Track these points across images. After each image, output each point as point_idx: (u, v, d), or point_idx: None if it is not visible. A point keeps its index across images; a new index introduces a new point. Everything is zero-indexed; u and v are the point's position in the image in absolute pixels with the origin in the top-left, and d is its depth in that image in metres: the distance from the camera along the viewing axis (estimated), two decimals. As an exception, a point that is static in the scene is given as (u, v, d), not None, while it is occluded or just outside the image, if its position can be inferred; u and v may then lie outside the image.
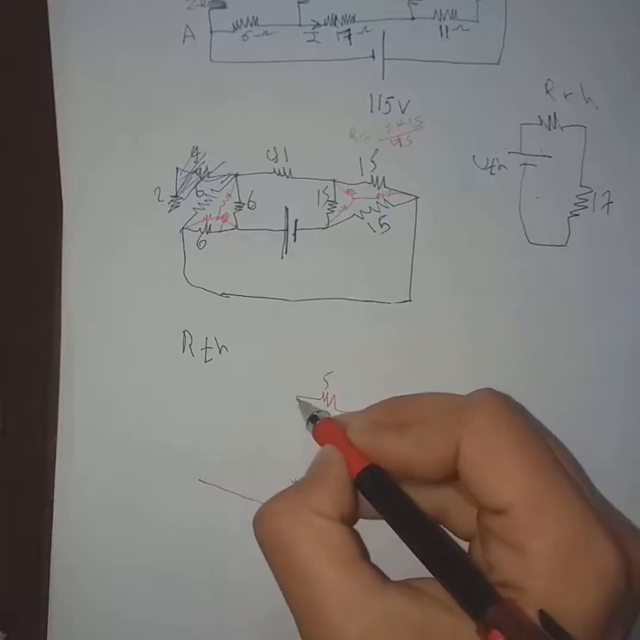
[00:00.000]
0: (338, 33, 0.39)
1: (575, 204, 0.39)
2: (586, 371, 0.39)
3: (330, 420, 0.36)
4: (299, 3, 0.39)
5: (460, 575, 0.29)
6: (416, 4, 0.39)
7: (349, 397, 0.38)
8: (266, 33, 0.39)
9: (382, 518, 0.32)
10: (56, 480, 0.39)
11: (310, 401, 0.38)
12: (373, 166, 0.39)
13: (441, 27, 0.39)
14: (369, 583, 0.29)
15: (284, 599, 0.31)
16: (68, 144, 0.39)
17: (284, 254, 0.39)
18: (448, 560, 0.29)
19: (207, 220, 0.39)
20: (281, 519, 0.31)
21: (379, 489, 0.32)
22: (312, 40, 0.39)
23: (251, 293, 0.39)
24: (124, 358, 0.39)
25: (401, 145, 0.39)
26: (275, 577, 0.31)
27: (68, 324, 0.40)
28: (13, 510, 0.40)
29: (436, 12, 0.39)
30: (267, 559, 0.31)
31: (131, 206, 0.39)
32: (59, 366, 0.40)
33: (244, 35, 0.39)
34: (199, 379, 0.39)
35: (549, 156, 0.39)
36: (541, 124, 0.39)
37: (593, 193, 0.39)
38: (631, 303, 0.39)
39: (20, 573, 0.39)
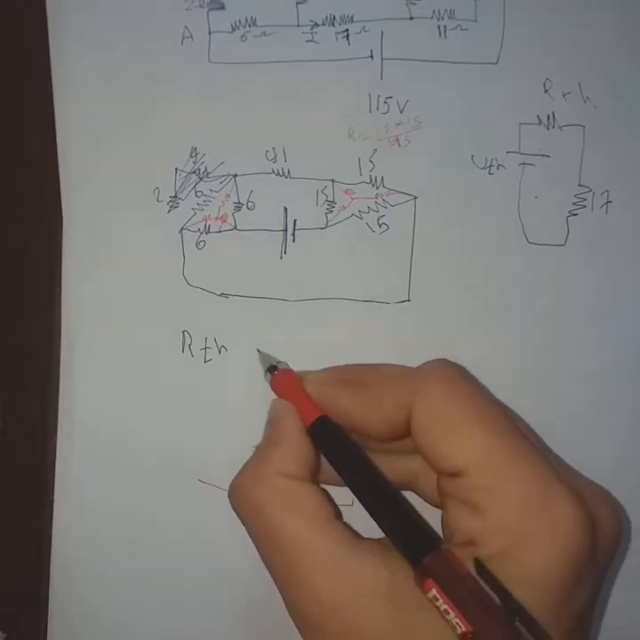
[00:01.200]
0: (336, 33, 0.39)
1: (574, 204, 0.39)
2: (586, 370, 0.39)
3: (288, 371, 0.37)
4: (297, 3, 0.39)
5: (400, 524, 0.30)
6: (414, 3, 0.39)
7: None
8: (264, 33, 0.39)
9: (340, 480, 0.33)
10: (56, 480, 0.39)
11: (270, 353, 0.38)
12: (372, 166, 0.39)
13: (439, 26, 0.39)
14: (340, 541, 0.30)
15: (285, 600, 0.31)
16: (66, 144, 0.39)
17: (283, 254, 0.39)
18: (390, 510, 0.30)
19: (206, 220, 0.39)
20: (250, 489, 0.32)
21: (329, 439, 0.33)
22: (310, 40, 0.39)
23: (250, 293, 0.39)
24: (124, 358, 0.39)
25: (399, 145, 0.39)
26: (256, 547, 0.32)
27: (68, 324, 0.40)
28: (13, 510, 0.40)
29: (434, 11, 0.39)
30: (247, 530, 0.32)
31: (130, 207, 0.39)
32: (59, 366, 0.40)
33: (243, 35, 0.39)
34: (198, 379, 0.39)
35: (548, 156, 0.39)
36: (540, 124, 0.39)
37: (592, 192, 0.39)
38: (630, 302, 0.39)
39: (19, 573, 0.40)
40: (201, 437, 0.39)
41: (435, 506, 0.34)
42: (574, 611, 0.28)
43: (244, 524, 0.32)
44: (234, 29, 0.39)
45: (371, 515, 0.31)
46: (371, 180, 0.39)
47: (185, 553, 0.39)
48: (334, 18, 0.39)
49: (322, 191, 0.39)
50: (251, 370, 0.39)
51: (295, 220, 0.39)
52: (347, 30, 0.39)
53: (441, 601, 0.27)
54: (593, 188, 0.39)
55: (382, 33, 0.39)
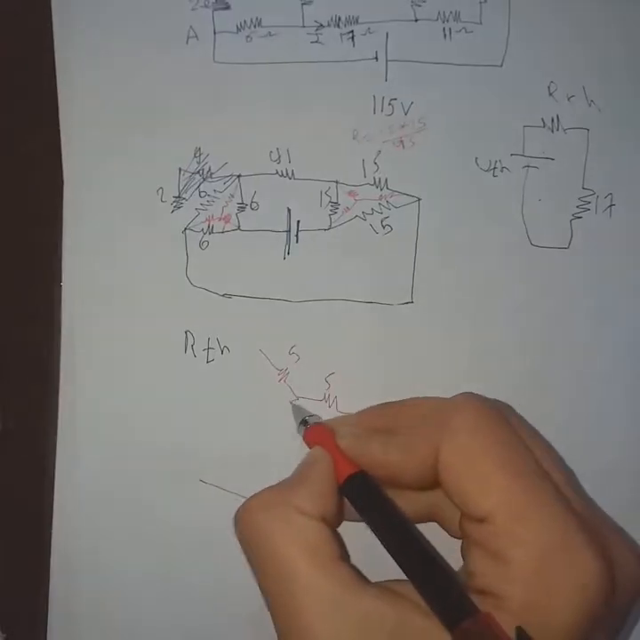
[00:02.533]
0: (341, 34, 0.39)
1: (577, 207, 0.39)
2: (588, 372, 0.39)
3: (320, 424, 0.36)
4: (302, 4, 0.39)
5: (438, 585, 0.29)
6: (419, 5, 0.39)
7: (351, 399, 0.38)
8: (269, 34, 0.39)
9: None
10: (56, 480, 0.39)
11: (304, 403, 0.38)
12: (376, 168, 0.39)
13: (444, 28, 0.39)
14: (346, 583, 0.29)
15: (278, 632, 0.31)
16: (70, 144, 0.39)
17: (286, 255, 0.39)
18: (427, 570, 0.29)
19: (210, 220, 0.39)
20: (260, 515, 0.31)
21: (363, 496, 0.32)
22: (315, 41, 0.39)
23: (253, 294, 0.39)
24: (126, 358, 0.39)
25: (404, 147, 0.39)
26: (253, 573, 0.31)
27: (68, 324, 0.40)
28: (13, 510, 0.40)
29: (439, 13, 0.39)
30: (245, 555, 0.31)
31: (133, 207, 0.39)
32: (59, 366, 0.40)
33: (248, 36, 0.39)
34: (201, 379, 0.39)
35: (552, 159, 0.39)
36: (544, 127, 0.39)
37: (595, 195, 0.39)
38: (633, 305, 0.39)
39: (19, 573, 0.39)
40: (203, 438, 0.39)
41: (458, 538, 0.33)
42: None
43: (245, 550, 0.31)
44: (239, 30, 0.39)
45: (406, 574, 0.30)
46: (375, 182, 0.39)
47: (186, 553, 0.39)
48: (339, 19, 0.39)
49: (326, 192, 0.39)
50: (253, 370, 0.39)
51: (299, 221, 0.39)
52: (352, 31, 0.39)
53: None
54: (597, 191, 0.39)
55: (387, 34, 0.39)
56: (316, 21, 0.39)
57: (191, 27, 0.39)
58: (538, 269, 0.39)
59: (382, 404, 0.36)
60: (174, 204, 0.39)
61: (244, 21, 0.39)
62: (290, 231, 0.39)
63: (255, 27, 0.39)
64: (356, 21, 0.39)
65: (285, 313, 0.39)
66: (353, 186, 0.39)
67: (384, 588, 0.30)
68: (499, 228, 0.39)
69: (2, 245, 0.41)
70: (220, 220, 0.39)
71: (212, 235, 0.39)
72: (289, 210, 0.39)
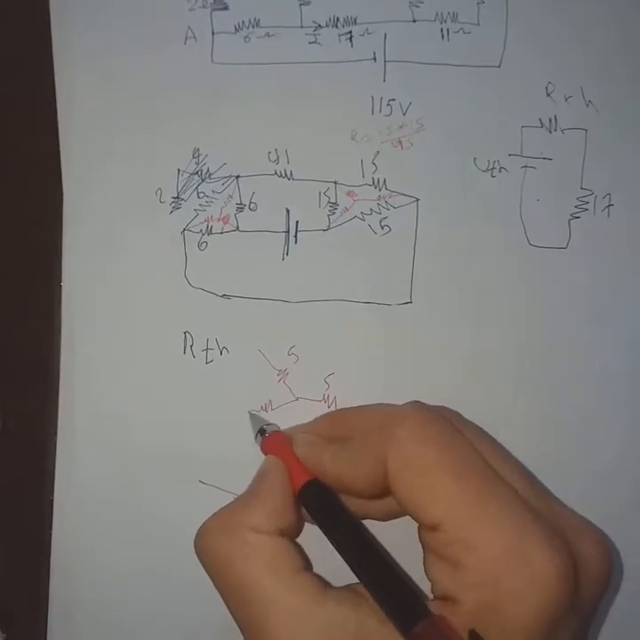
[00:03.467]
0: (339, 35, 0.39)
1: (576, 207, 0.39)
2: (587, 373, 0.39)
3: (278, 433, 0.37)
4: (300, 4, 0.39)
5: (391, 590, 0.29)
6: (417, 6, 0.39)
7: (350, 399, 0.38)
8: (267, 34, 0.39)
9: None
10: (56, 480, 0.39)
11: (261, 414, 0.39)
12: (374, 168, 0.39)
13: (442, 29, 0.39)
14: (308, 594, 0.29)
15: None
16: (69, 144, 0.39)
17: (285, 256, 0.39)
18: (380, 576, 0.30)
19: (208, 221, 0.39)
20: (217, 538, 0.31)
21: (317, 503, 0.33)
22: (314, 42, 0.39)
23: (252, 295, 0.39)
24: (125, 359, 0.39)
25: (402, 147, 0.39)
26: (222, 598, 0.31)
27: (68, 324, 0.40)
28: (13, 510, 0.40)
29: (437, 14, 0.39)
30: (209, 577, 0.31)
31: (132, 207, 0.39)
32: (59, 366, 0.40)
33: (246, 36, 0.39)
34: (200, 380, 0.39)
35: (550, 159, 0.39)
36: (542, 127, 0.39)
37: (593, 195, 0.39)
38: (631, 305, 0.39)
39: (20, 573, 0.39)
40: (202, 438, 0.39)
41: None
42: None
43: (207, 572, 0.32)
44: (237, 30, 0.39)
45: (360, 579, 0.30)
46: (373, 182, 0.39)
47: (185, 553, 0.39)
48: (337, 19, 0.39)
49: (324, 193, 0.39)
50: (252, 371, 0.39)
51: (297, 222, 0.39)
52: (350, 32, 0.39)
53: None
54: (595, 192, 0.39)
55: (385, 35, 0.39)
56: (314, 22, 0.39)
57: (189, 27, 0.39)
58: (536, 269, 0.39)
59: (339, 411, 0.37)
60: (173, 204, 0.39)
61: (243, 22, 0.39)
62: (288, 232, 0.39)
63: (253, 27, 0.39)
64: (355, 22, 0.39)
65: (284, 313, 0.39)
66: (351, 186, 0.39)
67: (346, 591, 0.30)
68: (497, 229, 0.39)
69: (2, 245, 0.41)
70: (218, 220, 0.39)
71: (210, 235, 0.39)
72: (288, 210, 0.39)
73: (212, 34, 0.39)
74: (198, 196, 0.39)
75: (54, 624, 0.39)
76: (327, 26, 0.39)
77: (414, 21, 0.39)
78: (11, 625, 0.39)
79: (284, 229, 0.39)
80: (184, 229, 0.39)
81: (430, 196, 0.39)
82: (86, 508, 0.39)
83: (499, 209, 0.39)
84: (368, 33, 0.39)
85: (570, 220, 0.39)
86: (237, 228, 0.39)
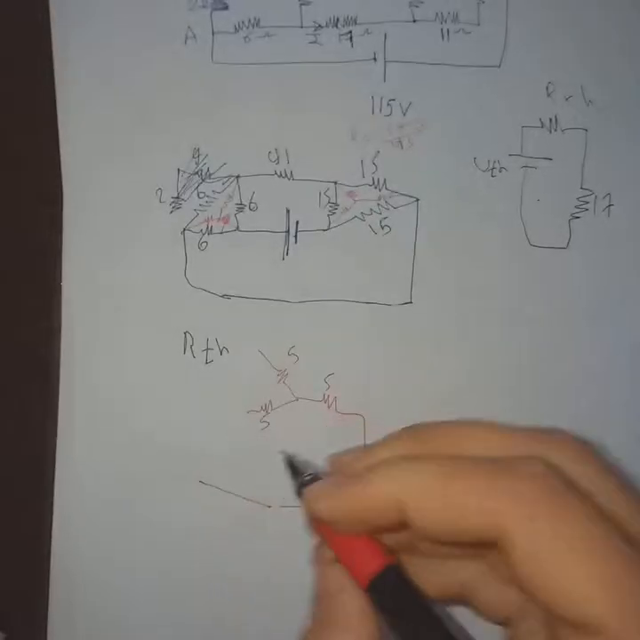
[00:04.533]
0: (339, 35, 0.39)
1: (576, 207, 0.39)
2: (587, 373, 0.39)
3: (315, 485, 0.27)
4: (300, 4, 0.39)
5: None
6: (417, 6, 0.39)
7: (350, 399, 0.38)
8: (268, 34, 0.39)
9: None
10: (56, 480, 0.39)
11: (303, 459, 0.32)
12: (375, 168, 0.39)
13: (442, 29, 0.39)
14: None
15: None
16: (69, 145, 0.39)
17: (285, 256, 0.39)
18: None
19: (208, 221, 0.39)
20: None
21: (394, 598, 0.25)
22: (314, 42, 0.39)
23: (252, 295, 0.39)
24: (125, 359, 0.39)
25: (402, 147, 0.39)
26: None
27: (68, 324, 0.40)
28: (13, 510, 0.40)
29: (437, 14, 0.39)
30: None
31: (132, 207, 0.39)
32: (59, 366, 0.40)
33: (246, 36, 0.39)
34: (200, 380, 0.39)
35: (550, 159, 0.39)
36: (542, 127, 0.39)
37: (594, 195, 0.39)
38: (631, 305, 0.39)
39: (19, 573, 0.39)
40: (203, 438, 0.39)
41: (495, 622, 0.28)
42: None
43: None
44: (237, 30, 0.39)
45: None
46: (373, 182, 0.39)
47: (185, 553, 0.39)
48: (338, 19, 0.39)
49: (324, 193, 0.39)
50: (252, 371, 0.39)
51: (297, 222, 0.39)
52: (350, 32, 0.39)
53: None
54: (595, 192, 0.39)
55: (385, 35, 0.39)
56: (314, 22, 0.39)
57: (189, 27, 0.39)
58: (536, 269, 0.39)
59: (428, 427, 0.27)
60: (173, 204, 0.39)
61: (243, 22, 0.39)
62: (289, 232, 0.39)
63: (253, 27, 0.39)
64: (355, 22, 0.39)
65: (284, 313, 0.39)
66: (352, 186, 0.39)
67: None
68: (497, 229, 0.39)
69: (2, 246, 0.41)
70: (218, 220, 0.39)
71: (210, 235, 0.39)
72: (288, 210, 0.39)
73: (212, 34, 0.39)
74: (198, 196, 0.39)
75: (54, 624, 0.39)
76: (327, 26, 0.39)
77: (414, 21, 0.39)
78: (11, 625, 0.39)
79: (284, 229, 0.39)
80: (184, 229, 0.39)
81: (430, 196, 0.39)
82: (86, 509, 0.39)
83: (499, 209, 0.39)
84: (368, 33, 0.39)
85: (570, 219, 0.39)
86: (237, 228, 0.39)
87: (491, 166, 0.39)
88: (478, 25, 0.39)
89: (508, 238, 0.39)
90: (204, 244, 0.39)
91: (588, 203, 0.39)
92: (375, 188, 0.39)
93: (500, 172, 0.39)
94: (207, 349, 0.39)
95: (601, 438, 0.39)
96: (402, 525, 0.24)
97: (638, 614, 0.22)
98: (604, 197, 0.39)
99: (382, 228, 0.39)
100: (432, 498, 0.24)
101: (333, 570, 0.27)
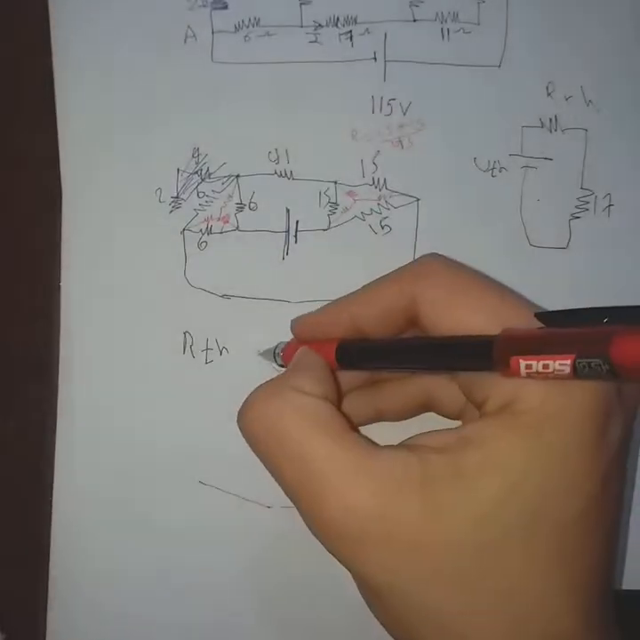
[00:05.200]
0: (339, 34, 0.39)
1: (576, 207, 0.39)
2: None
3: (287, 343, 0.36)
4: (301, 4, 0.39)
5: (455, 349, 0.29)
6: (417, 6, 0.39)
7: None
8: (268, 34, 0.39)
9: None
10: (56, 480, 0.39)
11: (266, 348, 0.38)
12: (375, 168, 0.39)
13: (442, 29, 0.39)
14: (363, 448, 0.28)
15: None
16: (68, 144, 0.39)
17: (285, 256, 0.39)
18: (437, 347, 0.30)
19: (208, 221, 0.39)
20: (266, 403, 0.30)
21: (358, 353, 0.32)
22: (314, 41, 0.39)
23: (252, 295, 0.39)
24: (124, 359, 0.39)
25: (402, 147, 0.39)
26: (267, 466, 0.30)
27: (68, 324, 0.40)
28: (13, 510, 0.40)
29: (437, 14, 0.39)
30: (256, 450, 0.30)
31: (131, 207, 0.39)
32: (58, 366, 0.40)
33: (246, 35, 0.39)
34: (200, 380, 0.39)
35: (550, 159, 0.39)
36: (542, 127, 0.39)
37: (594, 195, 0.39)
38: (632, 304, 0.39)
39: (20, 573, 0.39)
40: (202, 439, 0.39)
41: (456, 419, 0.34)
42: (609, 453, 0.27)
43: (255, 445, 0.30)
44: (237, 29, 0.39)
45: (432, 369, 0.32)
46: (373, 182, 0.39)
47: (185, 553, 0.39)
48: (338, 19, 0.39)
49: (324, 193, 0.39)
50: (252, 371, 0.39)
51: (297, 222, 0.39)
52: (350, 31, 0.39)
53: (535, 364, 0.25)
54: (595, 192, 0.39)
55: (385, 35, 0.39)
56: (314, 21, 0.39)
57: (189, 26, 0.39)
58: (536, 270, 0.39)
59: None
60: (173, 204, 0.39)
61: (242, 21, 0.39)
62: (288, 231, 0.39)
63: (253, 26, 0.39)
64: (355, 21, 0.39)
65: (284, 313, 0.39)
66: (352, 186, 0.39)
67: (398, 445, 0.29)
68: (497, 229, 0.39)
69: (2, 246, 0.41)
70: (218, 220, 0.39)
71: (210, 235, 0.39)
72: (288, 210, 0.39)
73: (212, 33, 0.39)
74: (198, 196, 0.39)
75: (54, 624, 0.39)
76: (327, 25, 0.39)
77: (414, 21, 0.39)
78: (11, 625, 0.39)
79: (284, 229, 0.39)
80: (184, 229, 0.39)
81: (430, 195, 0.39)
82: (86, 508, 0.39)
83: (499, 209, 0.39)
84: (368, 32, 0.39)
85: (570, 220, 0.39)
86: (237, 227, 0.39)
87: (491, 166, 0.39)
88: (478, 24, 0.39)
89: (508, 238, 0.39)
90: (204, 244, 0.39)
91: (588, 203, 0.39)
92: (375, 187, 0.39)
93: (500, 171, 0.39)
94: (207, 349, 0.39)
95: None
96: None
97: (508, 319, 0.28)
98: (604, 197, 0.39)
99: (382, 228, 0.39)
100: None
101: (301, 349, 0.34)
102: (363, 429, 0.35)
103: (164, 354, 0.39)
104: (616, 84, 0.39)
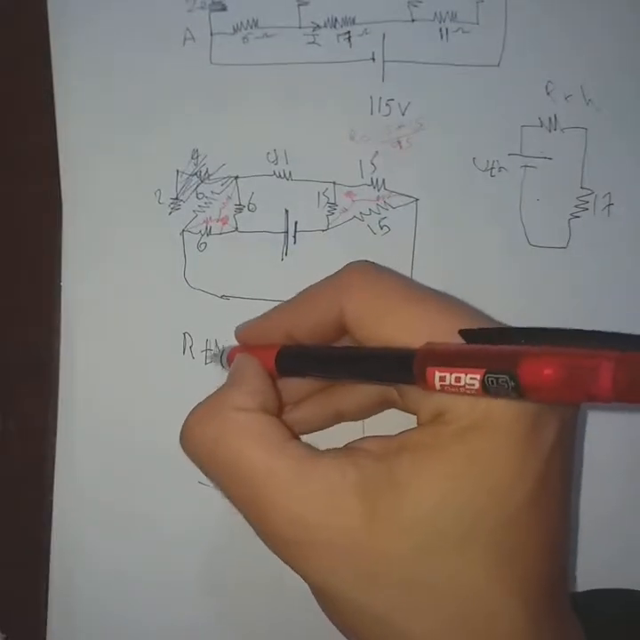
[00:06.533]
0: (338, 35, 0.39)
1: (576, 206, 0.39)
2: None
3: (232, 347, 0.36)
4: (299, 5, 0.39)
5: (378, 362, 0.30)
6: (416, 6, 0.39)
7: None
8: (266, 35, 0.39)
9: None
10: (56, 480, 0.39)
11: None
12: (373, 168, 0.39)
13: (441, 29, 0.39)
14: (301, 457, 0.29)
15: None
16: (68, 145, 0.39)
17: (284, 256, 0.39)
18: (367, 360, 0.30)
19: (207, 222, 0.39)
20: (206, 424, 0.31)
21: (298, 359, 0.33)
22: (312, 42, 0.39)
23: (251, 295, 0.39)
24: (124, 359, 0.39)
25: (401, 147, 0.39)
26: (215, 485, 0.31)
27: (68, 324, 0.40)
28: (13, 510, 0.40)
29: (435, 14, 0.39)
30: (203, 471, 0.31)
31: (131, 208, 0.39)
32: (58, 367, 0.40)
33: (245, 37, 0.39)
34: (199, 381, 0.39)
35: (550, 158, 0.39)
36: (542, 126, 0.39)
37: (594, 195, 0.39)
38: (632, 304, 0.39)
39: (20, 573, 0.40)
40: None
41: (414, 414, 0.33)
42: (541, 454, 0.27)
43: (198, 463, 0.32)
44: (235, 31, 0.39)
45: (357, 378, 0.32)
46: (372, 183, 0.39)
47: (184, 554, 0.39)
48: (336, 20, 0.39)
49: (323, 193, 0.39)
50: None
51: (296, 222, 0.39)
52: (348, 32, 0.39)
53: (448, 377, 0.26)
54: (595, 191, 0.39)
55: (384, 35, 0.39)
56: (312, 22, 0.39)
57: (187, 28, 0.39)
58: (536, 269, 0.39)
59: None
60: (172, 205, 0.39)
61: (241, 23, 0.39)
62: (287, 232, 0.39)
63: (252, 28, 0.39)
64: (353, 22, 0.39)
65: (283, 314, 0.39)
66: (350, 187, 0.39)
67: (337, 449, 0.30)
68: (497, 229, 0.39)
69: (1, 246, 0.41)
70: (217, 221, 0.39)
71: (209, 236, 0.39)
72: (287, 211, 0.39)
73: (211, 35, 0.39)
74: (197, 197, 0.39)
75: (54, 624, 0.39)
76: (325, 26, 0.39)
77: (413, 21, 0.39)
78: (11, 625, 0.40)
79: (283, 230, 0.39)
80: (183, 230, 0.39)
81: (429, 196, 0.39)
82: (86, 509, 0.39)
83: (498, 209, 0.39)
84: (366, 33, 0.39)
85: (570, 219, 0.39)
86: (236, 228, 0.39)
87: (490, 166, 0.39)
88: (477, 24, 0.39)
89: (507, 238, 0.39)
90: (203, 245, 0.39)
91: (587, 202, 0.39)
92: (374, 188, 0.39)
93: (500, 171, 0.39)
94: (206, 350, 0.39)
95: (600, 437, 0.39)
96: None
97: (431, 332, 0.28)
98: (603, 196, 0.39)
99: (381, 228, 0.39)
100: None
101: (239, 356, 0.34)
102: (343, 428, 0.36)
103: (163, 354, 0.39)
104: (616, 83, 0.39)
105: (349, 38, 0.39)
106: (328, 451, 0.30)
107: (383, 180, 0.39)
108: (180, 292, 0.39)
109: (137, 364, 0.39)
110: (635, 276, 0.39)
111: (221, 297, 0.39)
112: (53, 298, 0.40)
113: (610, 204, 0.39)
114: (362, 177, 0.39)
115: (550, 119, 0.39)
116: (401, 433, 0.29)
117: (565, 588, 0.30)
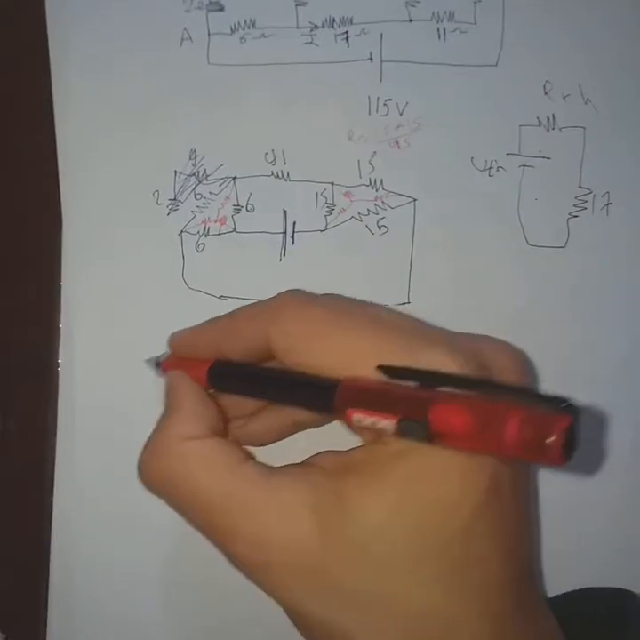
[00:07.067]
0: (336, 35, 0.39)
1: (574, 206, 0.39)
2: (585, 372, 0.39)
3: (167, 355, 0.36)
4: (296, 5, 0.39)
5: (302, 390, 0.30)
6: (414, 6, 0.38)
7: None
8: (263, 35, 0.39)
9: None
10: (56, 481, 0.39)
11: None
12: (371, 168, 0.39)
13: (439, 29, 0.39)
14: (254, 479, 0.29)
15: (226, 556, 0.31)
16: (66, 146, 0.39)
17: (282, 257, 0.39)
18: (292, 387, 0.31)
19: (206, 222, 0.39)
20: (155, 460, 0.31)
21: (229, 376, 0.33)
22: (310, 42, 0.39)
23: (249, 296, 0.39)
24: (124, 360, 0.39)
25: (399, 147, 0.39)
26: (180, 515, 0.31)
27: (68, 324, 0.40)
28: (13, 510, 0.40)
29: (433, 14, 0.38)
30: (166, 502, 0.32)
31: (129, 209, 0.39)
32: (58, 366, 0.40)
33: (242, 37, 0.39)
34: (198, 381, 0.39)
35: (548, 158, 0.39)
36: (540, 126, 0.39)
37: (592, 194, 0.39)
38: (631, 304, 0.39)
39: (19, 573, 0.40)
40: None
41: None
42: (488, 468, 0.27)
43: (160, 498, 0.32)
44: (233, 31, 0.39)
45: (281, 403, 0.32)
46: (370, 183, 0.39)
47: (185, 554, 0.39)
48: (334, 20, 0.39)
49: (321, 193, 0.39)
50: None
51: (294, 223, 0.39)
52: (346, 32, 0.39)
53: (367, 419, 0.27)
54: (593, 190, 0.39)
55: (382, 35, 0.39)
56: (310, 22, 0.39)
57: (185, 28, 0.39)
58: (535, 269, 0.39)
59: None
60: (170, 206, 0.39)
61: (238, 23, 0.39)
62: (286, 233, 0.39)
63: (249, 28, 0.39)
64: (351, 22, 0.39)
65: (282, 314, 0.39)
66: (348, 187, 0.39)
67: (295, 465, 0.30)
68: (495, 228, 0.39)
69: (2, 246, 0.41)
70: (215, 222, 0.39)
71: (208, 237, 0.39)
72: (285, 211, 0.39)
73: (208, 35, 0.39)
74: (195, 198, 0.39)
75: (54, 624, 0.39)
76: (323, 26, 0.39)
77: (411, 21, 0.39)
78: (11, 625, 0.40)
79: (282, 230, 0.39)
80: (181, 231, 0.39)
81: (428, 196, 0.39)
82: (86, 509, 0.39)
83: (497, 208, 0.39)
84: (364, 33, 0.39)
85: (568, 218, 0.39)
86: (234, 229, 0.39)
87: (488, 166, 0.39)
88: (475, 24, 0.39)
89: (505, 238, 0.39)
90: (202, 246, 0.39)
91: (586, 201, 0.39)
92: (372, 188, 0.39)
93: (498, 171, 0.39)
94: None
95: (600, 438, 0.39)
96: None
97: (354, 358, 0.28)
98: (602, 196, 0.39)
99: (379, 229, 0.39)
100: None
101: (171, 372, 0.35)
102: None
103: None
104: (614, 82, 0.39)
105: (347, 38, 0.39)
106: (283, 468, 0.30)
107: (381, 181, 0.39)
108: (179, 293, 0.39)
109: (137, 364, 0.39)
110: (633, 276, 0.39)
111: (220, 297, 0.39)
112: (53, 298, 0.40)
113: (608, 204, 0.39)
114: (360, 177, 0.39)
115: (548, 119, 0.39)
116: (350, 450, 0.29)
117: (534, 587, 0.30)
